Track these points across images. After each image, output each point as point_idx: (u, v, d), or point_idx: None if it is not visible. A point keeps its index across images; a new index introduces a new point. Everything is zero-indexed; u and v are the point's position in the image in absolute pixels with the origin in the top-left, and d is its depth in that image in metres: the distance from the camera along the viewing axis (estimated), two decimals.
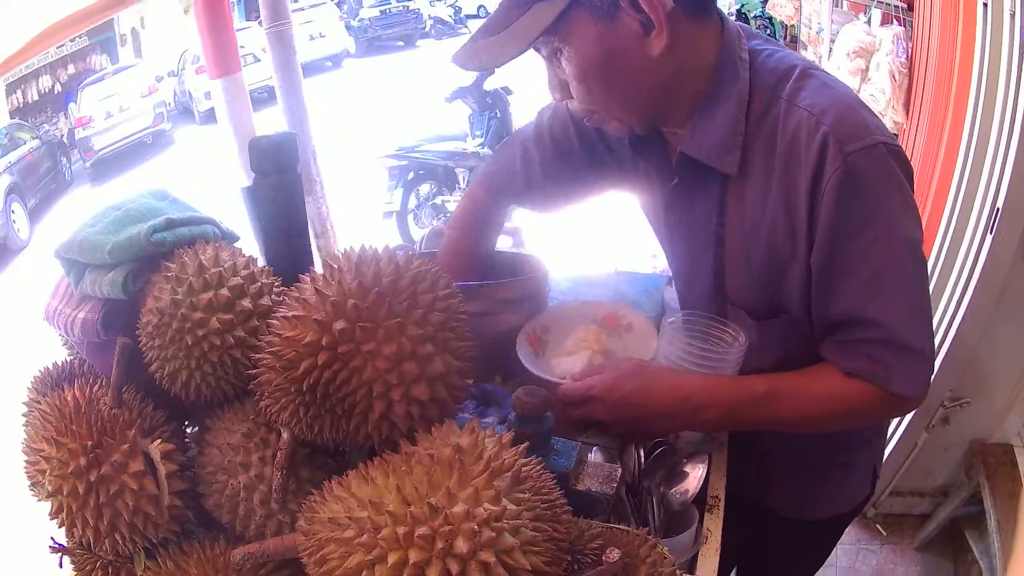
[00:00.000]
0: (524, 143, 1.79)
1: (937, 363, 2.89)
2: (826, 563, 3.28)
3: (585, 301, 1.84)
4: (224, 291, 1.14)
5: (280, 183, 1.31)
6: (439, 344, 1.00)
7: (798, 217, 1.30)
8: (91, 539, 1.12)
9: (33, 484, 1.18)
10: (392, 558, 0.79)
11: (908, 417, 3.14)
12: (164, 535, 1.15)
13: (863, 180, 1.24)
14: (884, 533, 3.47)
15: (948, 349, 2.88)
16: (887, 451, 3.24)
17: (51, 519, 1.14)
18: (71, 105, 15.29)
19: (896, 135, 4.15)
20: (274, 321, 1.05)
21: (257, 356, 1.07)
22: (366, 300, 0.97)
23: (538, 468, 0.92)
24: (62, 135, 14.95)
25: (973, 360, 2.90)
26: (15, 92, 15.77)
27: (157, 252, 1.23)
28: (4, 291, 9.85)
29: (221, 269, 1.17)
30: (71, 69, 17.77)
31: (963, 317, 2.81)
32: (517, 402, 1.22)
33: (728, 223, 1.43)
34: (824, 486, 1.83)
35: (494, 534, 0.79)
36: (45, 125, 15.33)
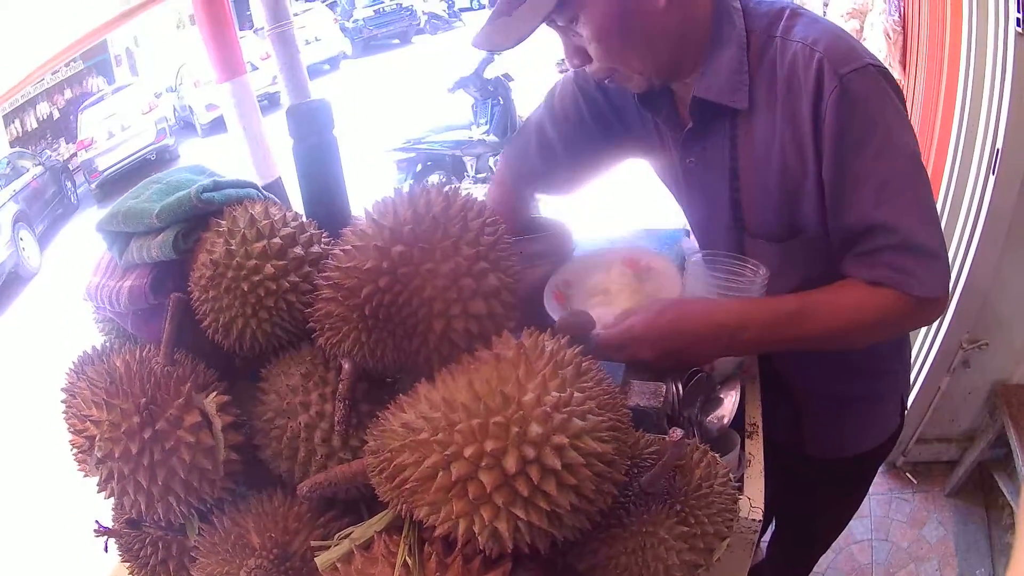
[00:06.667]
0: (539, 124, 1.87)
1: (952, 305, 2.96)
2: (860, 514, 3.36)
3: (603, 248, 1.85)
4: (276, 240, 1.19)
5: (319, 144, 1.36)
6: (492, 262, 1.05)
7: (804, 138, 1.39)
8: (143, 506, 1.12)
9: (80, 452, 1.20)
10: (468, 451, 0.83)
11: (929, 361, 3.18)
12: (219, 494, 1.17)
13: (859, 98, 1.33)
14: (914, 481, 3.51)
15: (962, 291, 2.92)
16: (910, 398, 3.28)
17: (99, 491, 1.15)
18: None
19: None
20: (331, 260, 1.10)
21: (311, 295, 1.11)
22: (422, 225, 1.02)
23: (595, 364, 0.97)
24: (64, 160, 14.98)
25: (988, 301, 2.94)
26: (13, 122, 15.81)
27: (207, 210, 1.27)
28: (19, 320, 9.88)
29: (272, 221, 1.21)
30: (68, 94, 17.84)
31: (974, 258, 2.86)
32: (563, 322, 1.26)
33: (741, 157, 1.52)
34: (855, 419, 1.89)
35: (565, 417, 0.83)
36: (47, 151, 15.37)
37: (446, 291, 1.00)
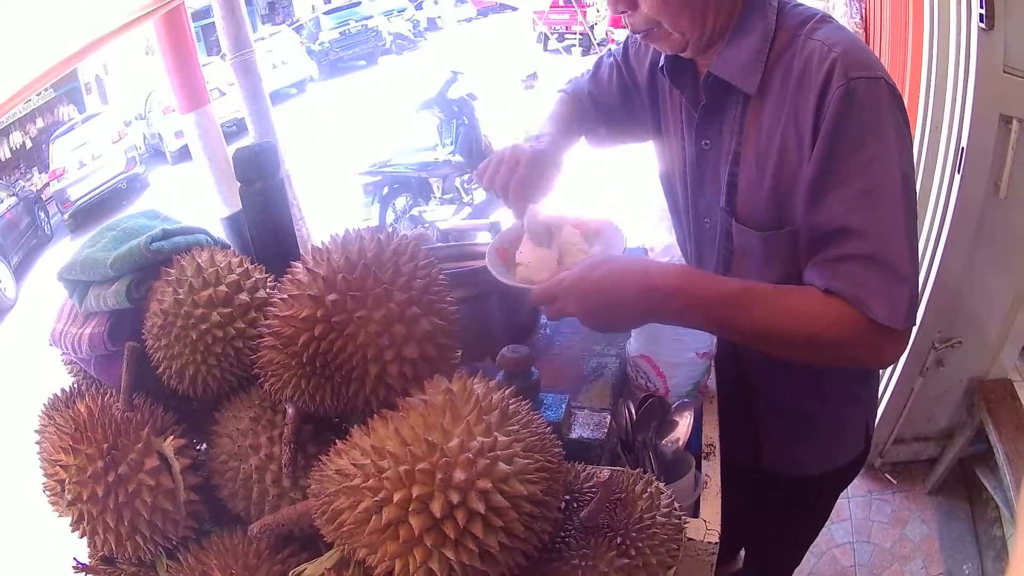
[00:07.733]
0: (585, 80, 2.02)
1: (923, 306, 2.95)
2: (840, 517, 3.37)
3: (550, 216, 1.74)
4: (222, 287, 1.22)
5: (265, 188, 1.39)
6: (424, 306, 1.08)
7: (804, 131, 1.39)
8: (113, 545, 1.16)
9: (52, 495, 1.23)
10: (397, 496, 0.86)
11: (901, 364, 3.18)
12: (183, 533, 1.21)
13: (863, 104, 1.33)
14: (894, 482, 3.51)
15: (932, 290, 2.93)
16: (884, 400, 3.30)
17: (72, 530, 1.19)
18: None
19: None
20: (271, 307, 1.13)
21: (258, 340, 1.14)
22: (354, 273, 1.05)
23: (526, 406, 0.99)
24: (37, 190, 14.89)
25: (959, 299, 2.95)
26: None
27: (156, 260, 1.31)
28: None
29: (217, 269, 1.25)
30: (39, 123, 17.78)
31: (943, 257, 2.87)
32: (502, 359, 1.29)
33: (745, 142, 1.53)
34: (815, 441, 1.87)
35: (489, 462, 0.86)
36: (20, 181, 15.28)
37: (379, 337, 1.03)
